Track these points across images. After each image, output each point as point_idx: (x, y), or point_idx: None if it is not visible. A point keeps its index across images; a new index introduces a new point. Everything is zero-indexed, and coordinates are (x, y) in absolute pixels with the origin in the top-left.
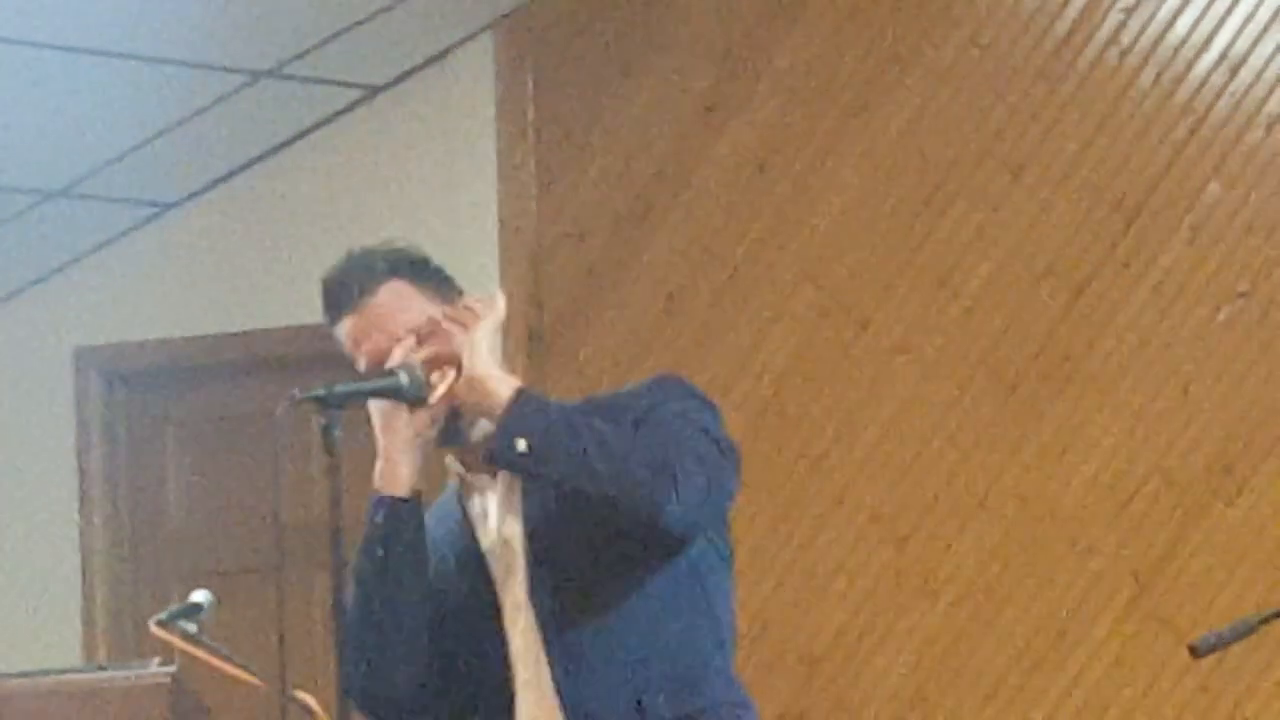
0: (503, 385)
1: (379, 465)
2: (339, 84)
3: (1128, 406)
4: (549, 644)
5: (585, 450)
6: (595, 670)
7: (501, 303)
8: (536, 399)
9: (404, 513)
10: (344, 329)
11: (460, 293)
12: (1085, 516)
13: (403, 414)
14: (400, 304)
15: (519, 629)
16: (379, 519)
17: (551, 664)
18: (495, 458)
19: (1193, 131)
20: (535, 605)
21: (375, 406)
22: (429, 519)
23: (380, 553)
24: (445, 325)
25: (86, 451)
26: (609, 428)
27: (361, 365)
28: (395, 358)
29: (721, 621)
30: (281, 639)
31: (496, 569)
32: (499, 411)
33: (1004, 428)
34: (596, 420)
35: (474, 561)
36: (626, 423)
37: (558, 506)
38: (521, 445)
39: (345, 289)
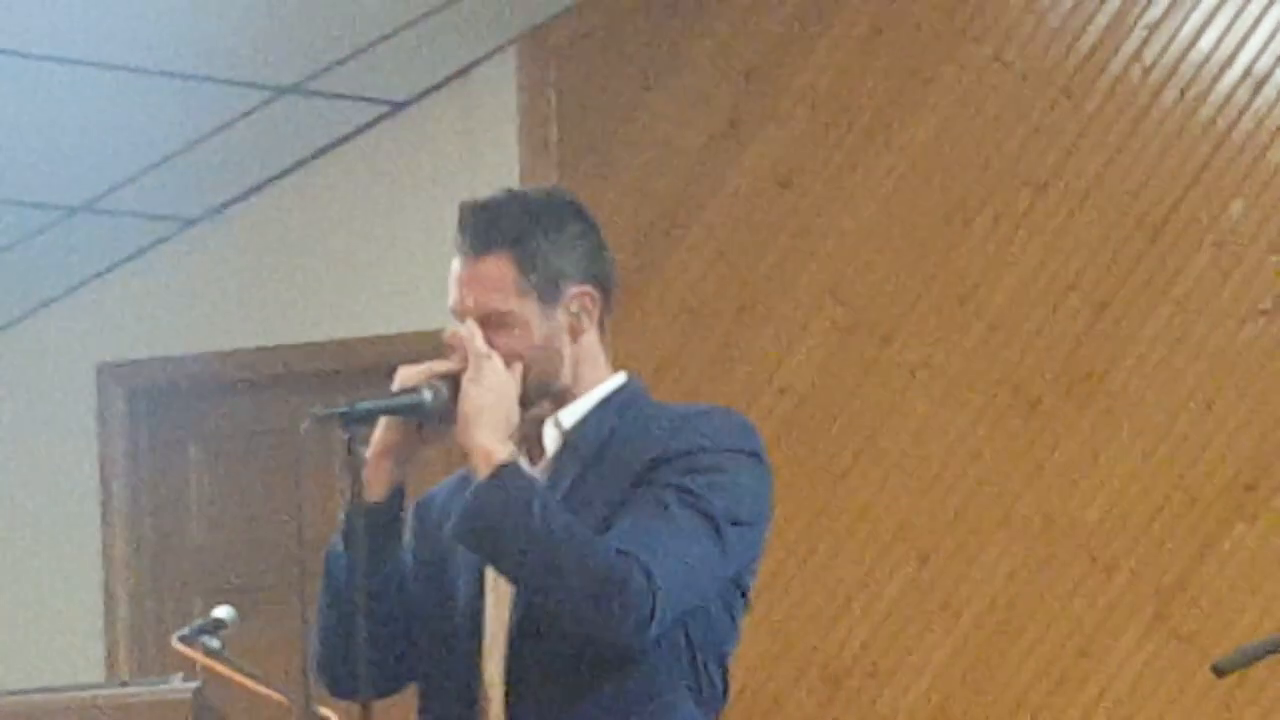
0: (482, 461)
1: (368, 455)
2: (362, 100)
3: (1150, 424)
4: (508, 674)
5: (528, 556)
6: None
7: (478, 350)
8: (509, 483)
9: (357, 516)
10: (455, 263)
11: (589, 280)
12: (1107, 534)
13: (399, 423)
14: (493, 283)
15: (497, 639)
16: (341, 517)
17: (507, 701)
18: (453, 535)
19: (1216, 149)
20: (508, 629)
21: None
22: (455, 486)
23: (339, 549)
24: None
25: (109, 467)
26: (560, 537)
27: (450, 306)
28: (412, 377)
29: (702, 681)
30: (304, 654)
31: (490, 576)
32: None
33: (1026, 444)
34: (553, 523)
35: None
36: (597, 513)
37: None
38: (477, 532)
39: (465, 231)
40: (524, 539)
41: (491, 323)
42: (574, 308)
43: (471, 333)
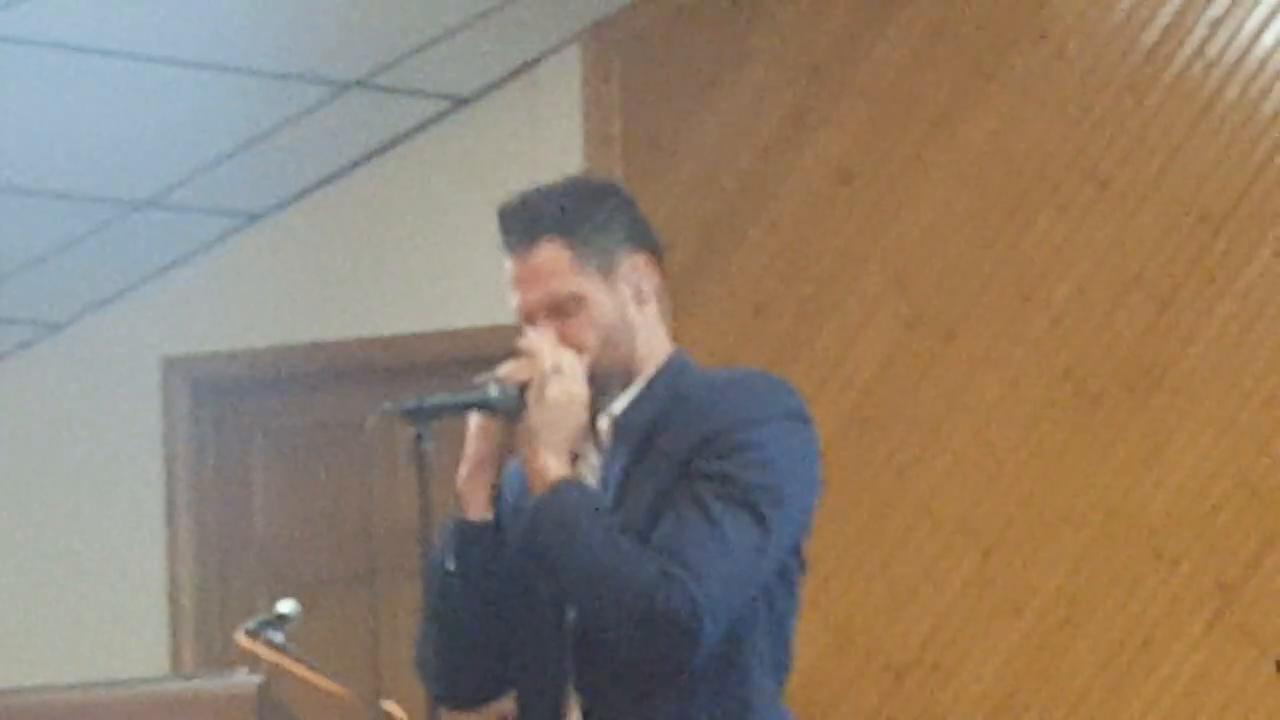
0: (538, 480)
1: (462, 469)
2: (426, 95)
3: (1213, 418)
4: (579, 663)
5: (576, 585)
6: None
7: (550, 359)
8: (561, 502)
9: (470, 535)
10: (508, 267)
11: (640, 249)
12: (1170, 528)
13: (497, 425)
14: (550, 269)
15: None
16: (449, 533)
17: (578, 689)
18: (517, 555)
19: (1279, 145)
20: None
21: (474, 416)
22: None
23: (447, 565)
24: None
25: (174, 461)
26: (604, 566)
27: (516, 308)
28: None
29: (766, 656)
30: (371, 649)
31: None
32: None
33: (1089, 439)
34: (599, 549)
35: None
36: (645, 503)
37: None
38: (531, 553)
39: (510, 231)
40: (572, 567)
41: (559, 310)
42: (633, 277)
43: (538, 347)
